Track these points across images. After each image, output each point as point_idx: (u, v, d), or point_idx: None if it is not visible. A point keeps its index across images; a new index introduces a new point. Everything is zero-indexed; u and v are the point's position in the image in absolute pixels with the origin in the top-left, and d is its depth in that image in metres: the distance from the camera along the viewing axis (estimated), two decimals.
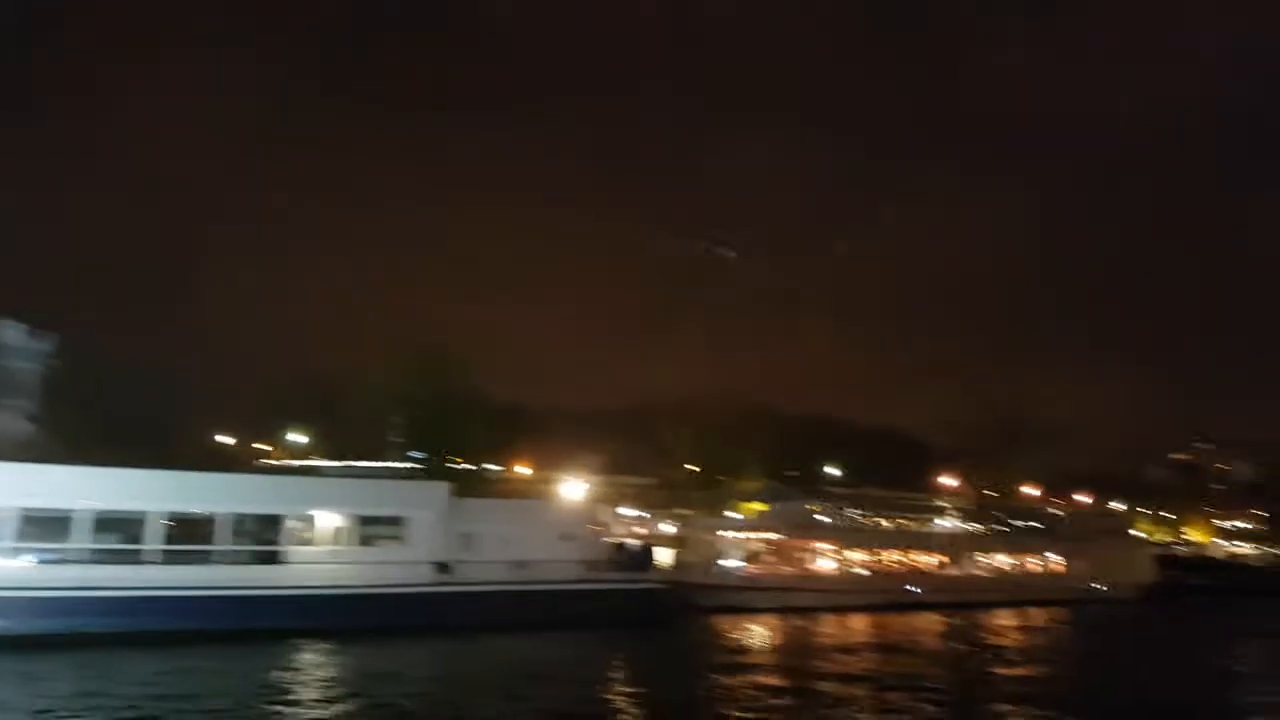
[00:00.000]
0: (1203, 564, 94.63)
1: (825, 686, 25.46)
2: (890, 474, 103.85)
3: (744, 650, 34.96)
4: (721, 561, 55.04)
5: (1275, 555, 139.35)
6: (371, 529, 40.32)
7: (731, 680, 26.63)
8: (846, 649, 36.30)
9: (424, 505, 41.03)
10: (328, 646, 32.20)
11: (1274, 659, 33.82)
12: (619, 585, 42.95)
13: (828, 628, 44.14)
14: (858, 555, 59.86)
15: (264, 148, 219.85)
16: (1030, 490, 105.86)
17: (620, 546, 50.33)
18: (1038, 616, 56.50)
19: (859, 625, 46.09)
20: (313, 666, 28.46)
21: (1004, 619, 52.80)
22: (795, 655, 32.87)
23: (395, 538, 40.46)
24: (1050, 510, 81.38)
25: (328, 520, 39.87)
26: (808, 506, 61.65)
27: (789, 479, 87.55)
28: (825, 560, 58.64)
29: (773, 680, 26.39)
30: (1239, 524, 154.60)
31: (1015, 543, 70.63)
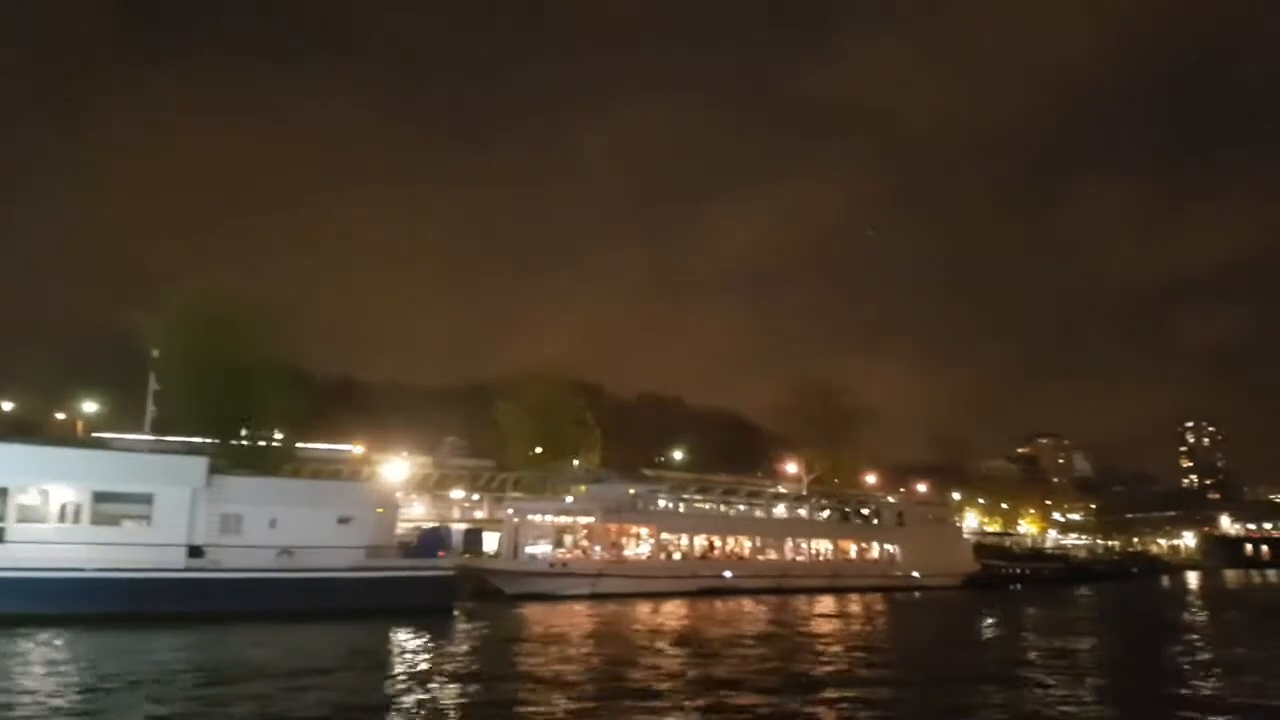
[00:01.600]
0: (1024, 554, 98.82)
1: (566, 677, 23.58)
2: (732, 459, 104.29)
3: (516, 640, 32.63)
4: (531, 547, 52.82)
5: (1102, 546, 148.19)
6: (113, 506, 36.25)
7: (484, 673, 24.44)
8: (603, 637, 34.44)
9: (174, 481, 37.10)
10: (48, 635, 28.63)
11: (1046, 644, 33.90)
12: (402, 573, 40.10)
13: (624, 614, 42.40)
14: (676, 540, 58.71)
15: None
16: (869, 478, 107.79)
17: (419, 531, 47.60)
18: (854, 603, 56.60)
19: (659, 612, 44.60)
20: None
21: (815, 605, 52.44)
22: (556, 645, 30.70)
23: (141, 517, 36.52)
24: (882, 498, 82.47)
25: (61, 495, 35.67)
26: (629, 490, 59.92)
27: (629, 462, 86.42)
28: (642, 545, 57.21)
29: (513, 673, 24.18)
30: (1073, 516, 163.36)
31: (839, 530, 71.05)
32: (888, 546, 71.21)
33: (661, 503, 63.01)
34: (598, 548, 54.23)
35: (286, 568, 37.34)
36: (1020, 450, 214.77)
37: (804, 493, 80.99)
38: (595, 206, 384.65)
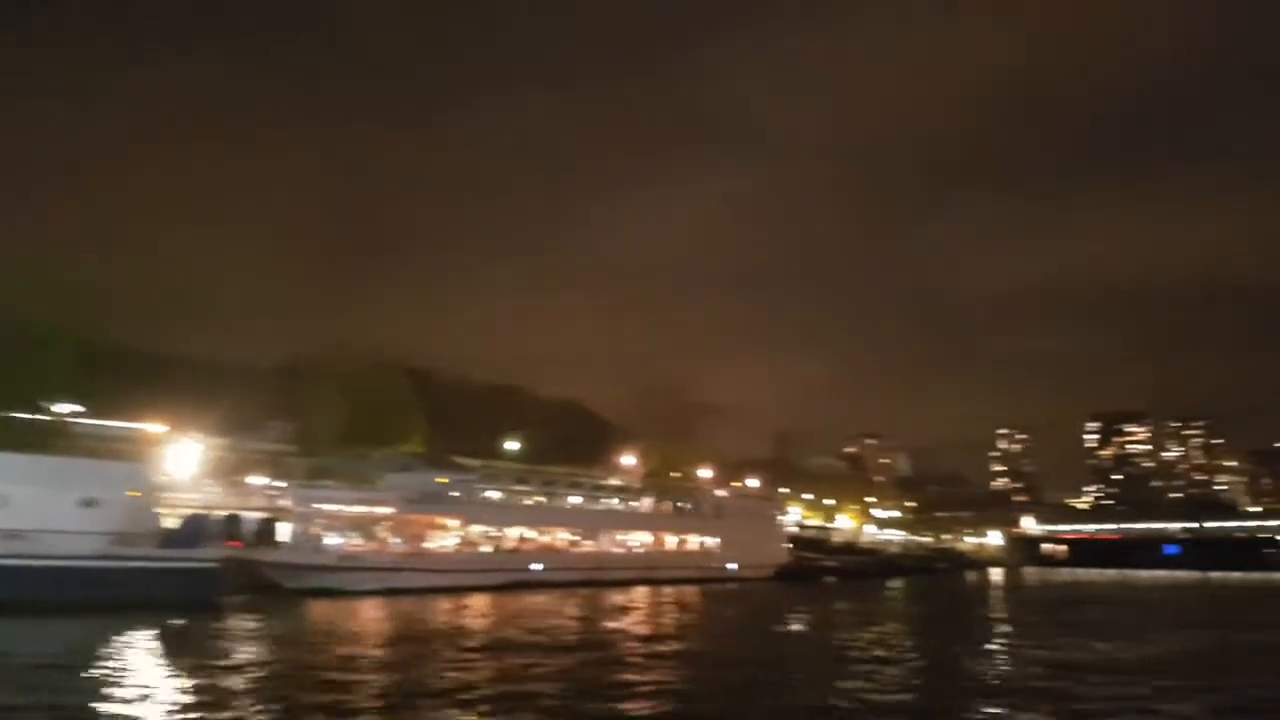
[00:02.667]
0: (838, 548, 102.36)
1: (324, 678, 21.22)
2: (574, 451, 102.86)
3: (266, 640, 29.64)
4: (322, 538, 49.25)
5: (915, 542, 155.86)
6: None
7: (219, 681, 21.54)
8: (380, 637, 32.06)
9: None
10: None
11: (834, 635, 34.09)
12: (154, 564, 36.05)
13: (413, 612, 39.86)
14: (484, 532, 56.45)
15: None
16: (705, 472, 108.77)
17: (192, 518, 43.27)
18: (665, 595, 56.05)
19: (457, 608, 42.32)
20: None
21: (624, 597, 51.47)
22: (298, 648, 28.01)
23: None
24: (706, 492, 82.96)
25: None
26: (436, 479, 57.16)
27: (462, 452, 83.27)
28: (447, 538, 54.62)
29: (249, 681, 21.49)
30: (892, 513, 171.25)
31: (658, 522, 70.68)
32: (705, 539, 71.44)
33: (475, 493, 60.32)
34: (395, 540, 51.19)
35: (8, 554, 32.80)
36: (848, 449, 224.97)
37: (636, 485, 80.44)
38: (462, 195, 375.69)
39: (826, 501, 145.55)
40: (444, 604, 44.00)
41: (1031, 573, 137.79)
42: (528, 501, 64.09)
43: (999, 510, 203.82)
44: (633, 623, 38.45)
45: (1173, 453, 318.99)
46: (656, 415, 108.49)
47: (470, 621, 37.31)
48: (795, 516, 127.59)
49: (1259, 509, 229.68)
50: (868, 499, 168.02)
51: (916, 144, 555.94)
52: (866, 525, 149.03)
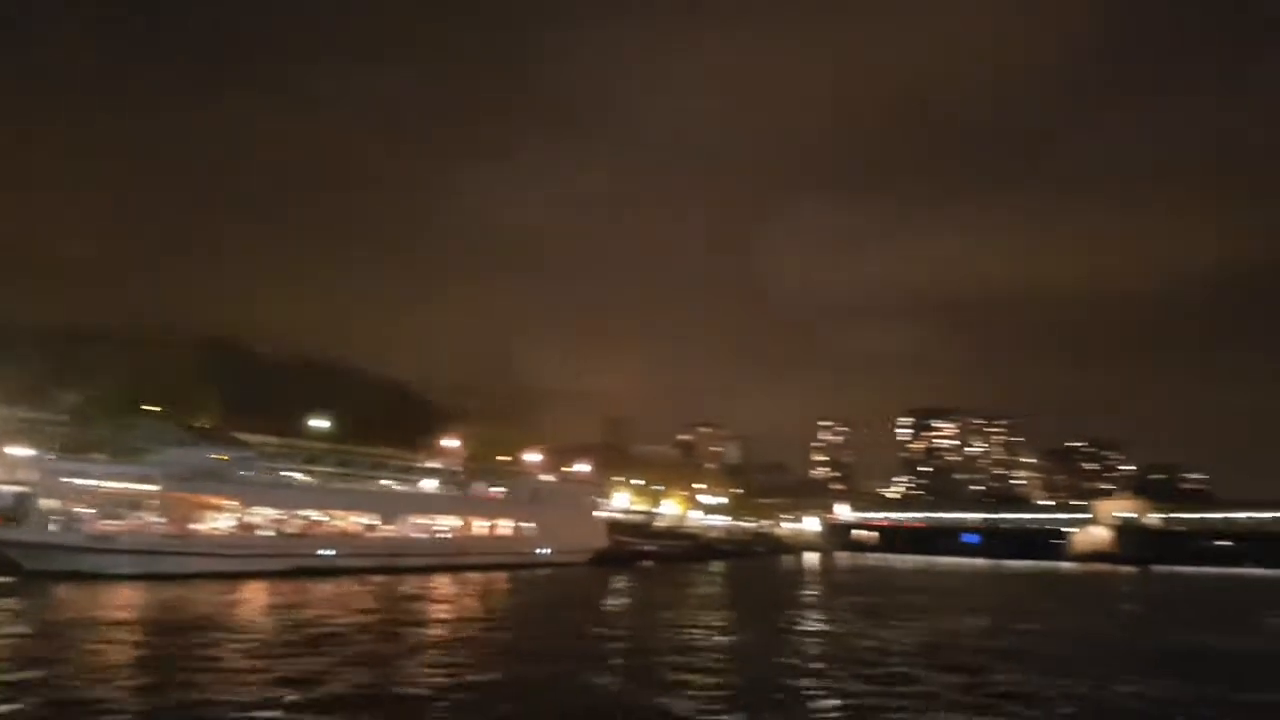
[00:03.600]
0: (659, 532, 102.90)
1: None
2: (394, 431, 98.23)
3: None
4: (79, 517, 43.80)
5: (740, 527, 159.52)
6: None
7: None
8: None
9: None
10: None
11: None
12: None
13: (174, 598, 35.76)
14: (268, 514, 52.11)
15: None
16: (533, 456, 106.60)
17: None
18: (471, 582, 53.61)
19: (227, 596, 38.42)
20: None
21: (421, 585, 48.70)
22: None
23: None
24: (524, 476, 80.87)
25: None
26: (213, 456, 52.25)
27: (272, 429, 77.35)
28: (223, 519, 49.97)
29: None
30: (719, 499, 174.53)
31: (466, 506, 67.91)
32: (519, 523, 69.34)
33: (257, 472, 55.50)
34: (160, 520, 46.24)
35: None
36: (682, 437, 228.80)
37: (453, 468, 77.23)
38: (307, 166, 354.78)
39: (656, 487, 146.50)
40: (211, 591, 40.03)
41: (844, 557, 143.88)
42: (319, 482, 59.66)
43: (817, 498, 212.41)
44: (408, 612, 35.93)
45: (977, 448, 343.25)
46: (486, 398, 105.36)
47: (224, 610, 33.69)
48: (623, 502, 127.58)
49: (1050, 503, 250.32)
50: (696, 485, 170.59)
51: (777, 146, 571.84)
52: (693, 511, 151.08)
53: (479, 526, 66.74)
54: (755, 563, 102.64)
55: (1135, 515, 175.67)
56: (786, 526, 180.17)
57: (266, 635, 27.21)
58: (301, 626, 29.33)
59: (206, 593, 38.95)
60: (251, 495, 51.68)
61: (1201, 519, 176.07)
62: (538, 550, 67.96)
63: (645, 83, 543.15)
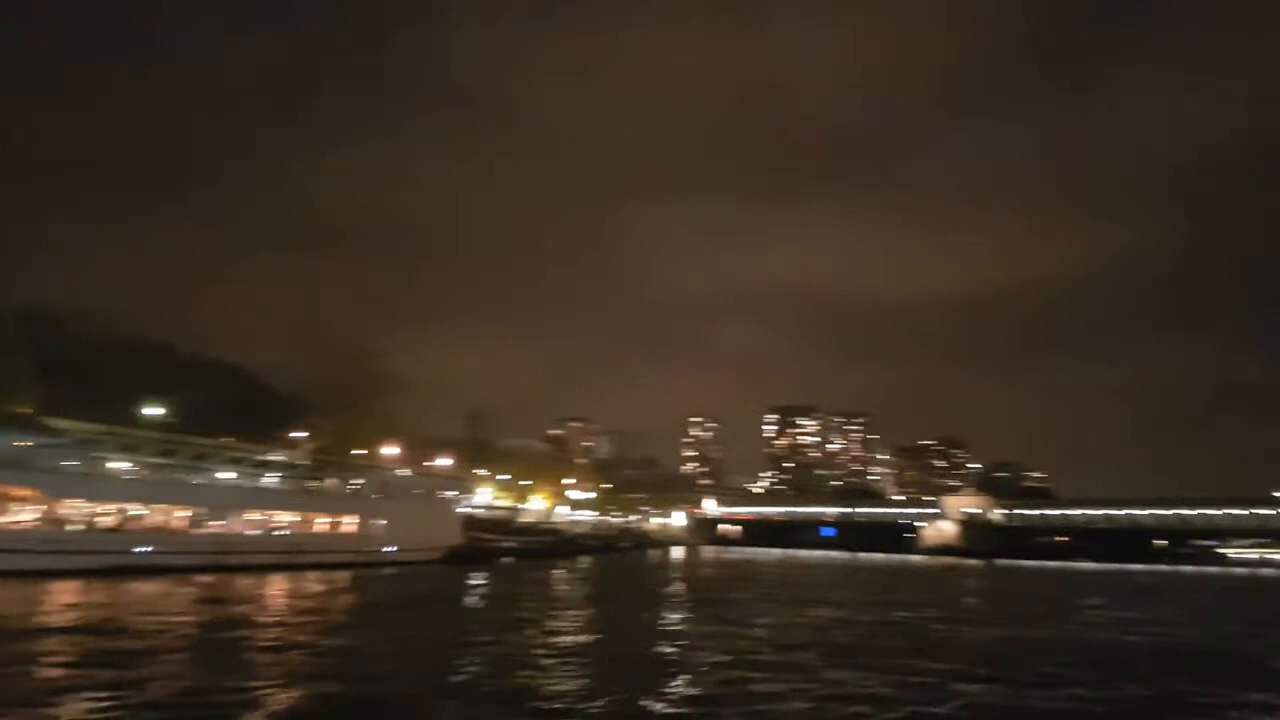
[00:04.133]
0: (520, 528, 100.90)
1: None
2: (235, 419, 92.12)
3: None
4: None
5: (607, 522, 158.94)
6: None
7: None
8: None
9: None
10: None
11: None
12: None
13: None
14: (79, 507, 47.37)
15: None
16: (390, 449, 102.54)
17: None
18: (309, 581, 50.26)
19: (24, 598, 34.24)
20: None
21: (253, 584, 45.20)
22: None
23: None
24: (374, 469, 77.24)
25: None
26: (16, 443, 47.11)
27: (99, 414, 70.65)
28: (28, 512, 45.07)
29: None
30: (588, 494, 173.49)
31: (306, 501, 63.92)
32: (366, 519, 65.95)
33: (65, 461, 50.31)
34: None
35: None
36: (552, 432, 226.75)
37: (299, 460, 72.69)
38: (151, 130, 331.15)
39: (523, 482, 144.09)
40: (6, 592, 35.71)
41: (709, 551, 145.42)
42: (141, 473, 54.68)
43: (685, 492, 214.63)
44: (218, 613, 32.87)
45: (836, 445, 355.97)
46: (342, 388, 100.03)
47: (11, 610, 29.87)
48: (487, 497, 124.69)
49: (902, 498, 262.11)
50: (566, 480, 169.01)
51: (655, 141, 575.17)
52: (560, 506, 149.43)
53: (321, 523, 63.03)
54: (620, 558, 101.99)
55: (980, 511, 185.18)
56: (655, 521, 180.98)
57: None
58: (84, 631, 26.14)
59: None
60: (60, 486, 46.74)
61: (1041, 515, 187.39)
62: (385, 548, 64.78)
63: (524, 72, 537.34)
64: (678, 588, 59.82)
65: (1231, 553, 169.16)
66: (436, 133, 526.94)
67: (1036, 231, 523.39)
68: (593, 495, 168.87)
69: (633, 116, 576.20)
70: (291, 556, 56.17)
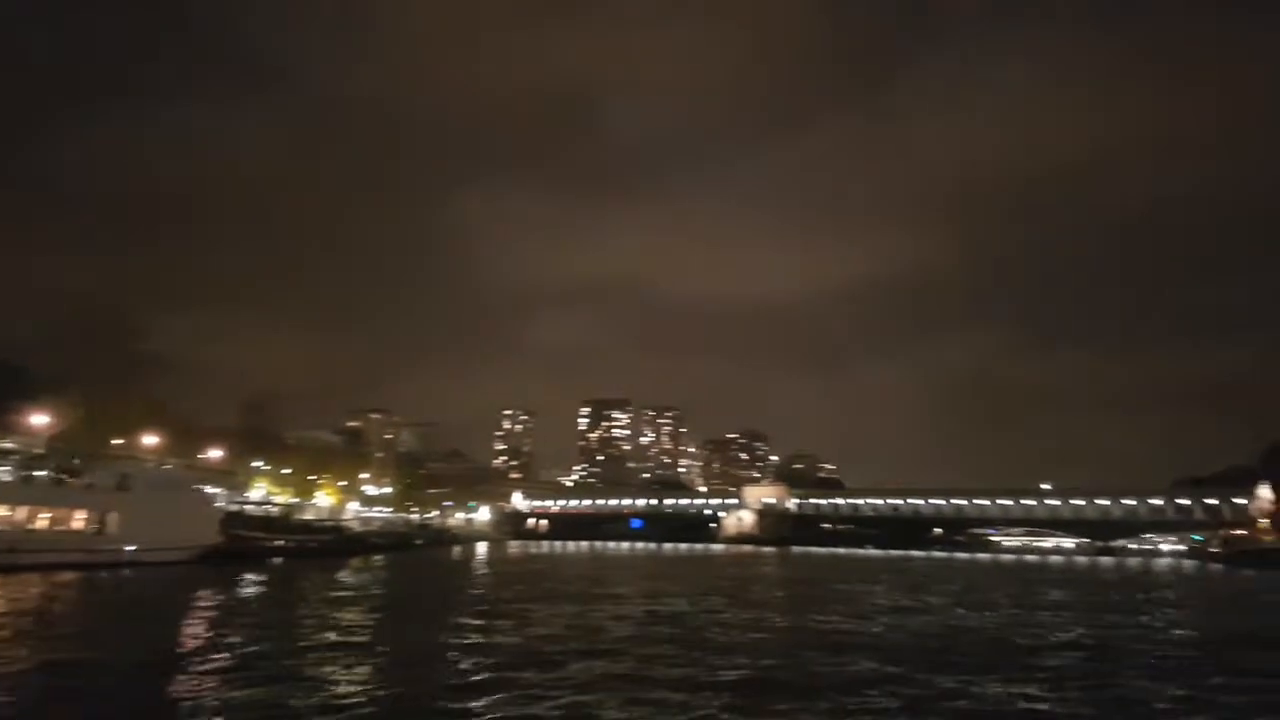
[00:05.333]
0: (297, 526, 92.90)
1: None
2: None
3: None
4: None
5: (404, 519, 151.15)
6: None
7: None
8: None
9: None
10: None
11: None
12: None
13: None
14: None
15: None
16: (150, 438, 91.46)
17: None
18: (22, 585, 42.13)
19: None
20: None
21: None
22: None
23: None
24: (117, 460, 68.01)
25: None
26: None
27: None
28: None
29: None
30: (385, 489, 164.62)
31: (20, 494, 54.74)
32: (101, 514, 57.31)
33: None
34: None
35: None
36: (350, 423, 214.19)
37: (37, 450, 62.82)
38: None
39: (311, 477, 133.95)
40: None
41: (515, 546, 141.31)
42: None
43: (493, 486, 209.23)
44: None
45: (647, 438, 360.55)
46: (100, 367, 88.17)
47: None
48: (263, 492, 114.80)
49: (706, 489, 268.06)
50: (362, 474, 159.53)
51: (474, 131, 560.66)
52: (351, 502, 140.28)
53: (43, 518, 54.00)
54: (415, 556, 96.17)
55: (777, 501, 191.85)
56: (459, 517, 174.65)
57: None
58: None
59: None
60: None
61: (832, 505, 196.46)
62: (123, 546, 56.41)
63: (330, 46, 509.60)
64: (467, 585, 55.79)
65: (1001, 540, 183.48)
66: (235, 104, 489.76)
67: (842, 238, 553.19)
68: (389, 490, 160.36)
69: (447, 105, 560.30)
70: (6, 557, 47.51)
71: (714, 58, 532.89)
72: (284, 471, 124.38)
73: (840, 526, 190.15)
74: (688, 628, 30.50)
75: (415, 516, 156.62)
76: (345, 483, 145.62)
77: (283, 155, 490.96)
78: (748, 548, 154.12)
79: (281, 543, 76.21)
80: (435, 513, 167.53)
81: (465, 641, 26.80)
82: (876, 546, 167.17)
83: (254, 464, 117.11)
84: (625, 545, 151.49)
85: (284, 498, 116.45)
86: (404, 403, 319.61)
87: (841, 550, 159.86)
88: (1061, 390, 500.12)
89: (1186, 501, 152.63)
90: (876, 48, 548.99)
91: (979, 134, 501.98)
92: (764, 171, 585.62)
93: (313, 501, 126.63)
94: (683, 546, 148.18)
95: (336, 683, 19.83)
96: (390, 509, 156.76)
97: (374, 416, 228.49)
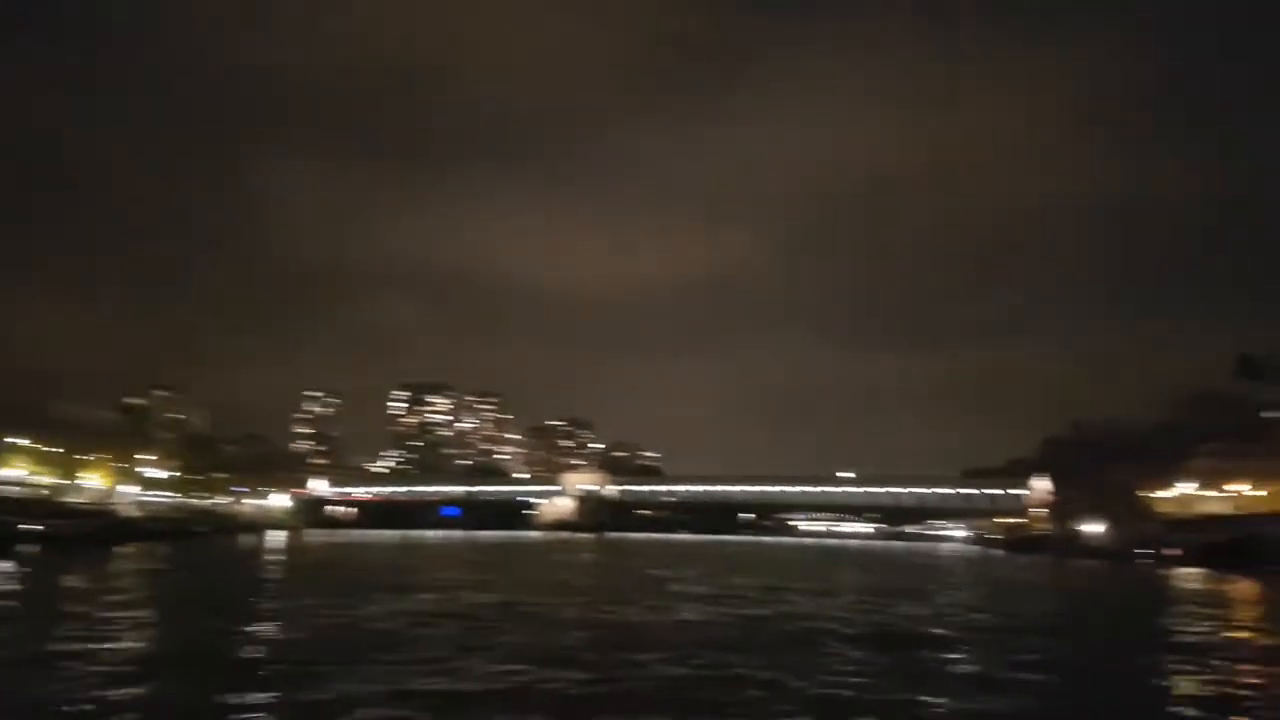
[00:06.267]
0: (57, 509, 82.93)
1: None
2: None
3: None
4: None
5: (189, 504, 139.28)
6: None
7: None
8: None
9: None
10: None
11: None
12: None
13: None
14: None
15: None
16: None
17: None
18: None
19: None
20: None
21: None
22: None
23: None
24: None
25: None
26: None
27: None
28: None
29: None
30: (170, 472, 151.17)
31: None
32: None
33: None
34: None
35: None
36: (132, 400, 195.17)
37: None
38: None
39: (80, 457, 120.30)
40: None
41: (316, 535, 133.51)
42: None
43: (293, 472, 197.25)
44: None
45: (468, 424, 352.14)
46: None
47: None
48: (19, 473, 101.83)
49: (527, 476, 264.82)
50: (143, 456, 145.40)
51: (286, 98, 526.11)
52: (127, 485, 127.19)
53: None
54: (198, 544, 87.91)
55: (596, 487, 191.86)
56: (253, 503, 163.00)
57: None
58: None
59: None
60: None
61: (650, 491, 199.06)
62: None
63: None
64: (254, 576, 50.65)
65: (803, 525, 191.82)
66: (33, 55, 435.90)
67: (672, 232, 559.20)
68: (174, 473, 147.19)
69: (260, 68, 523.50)
70: None
71: (558, 49, 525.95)
72: (50, 450, 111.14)
73: (657, 513, 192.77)
74: (470, 621, 27.79)
75: (203, 502, 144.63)
76: (125, 465, 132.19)
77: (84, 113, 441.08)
78: (564, 534, 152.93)
79: (36, 527, 66.97)
80: (226, 499, 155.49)
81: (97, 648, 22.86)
82: (690, 532, 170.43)
83: (10, 440, 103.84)
84: (438, 534, 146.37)
85: (48, 478, 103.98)
86: (199, 381, 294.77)
87: (656, 535, 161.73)
88: (865, 387, 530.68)
89: (972, 491, 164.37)
90: (719, 44, 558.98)
91: (812, 136, 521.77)
92: (598, 161, 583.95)
93: (83, 483, 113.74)
94: (498, 534, 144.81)
95: None
96: (175, 494, 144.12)
97: (161, 394, 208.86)
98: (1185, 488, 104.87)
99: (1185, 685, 19.22)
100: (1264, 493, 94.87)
